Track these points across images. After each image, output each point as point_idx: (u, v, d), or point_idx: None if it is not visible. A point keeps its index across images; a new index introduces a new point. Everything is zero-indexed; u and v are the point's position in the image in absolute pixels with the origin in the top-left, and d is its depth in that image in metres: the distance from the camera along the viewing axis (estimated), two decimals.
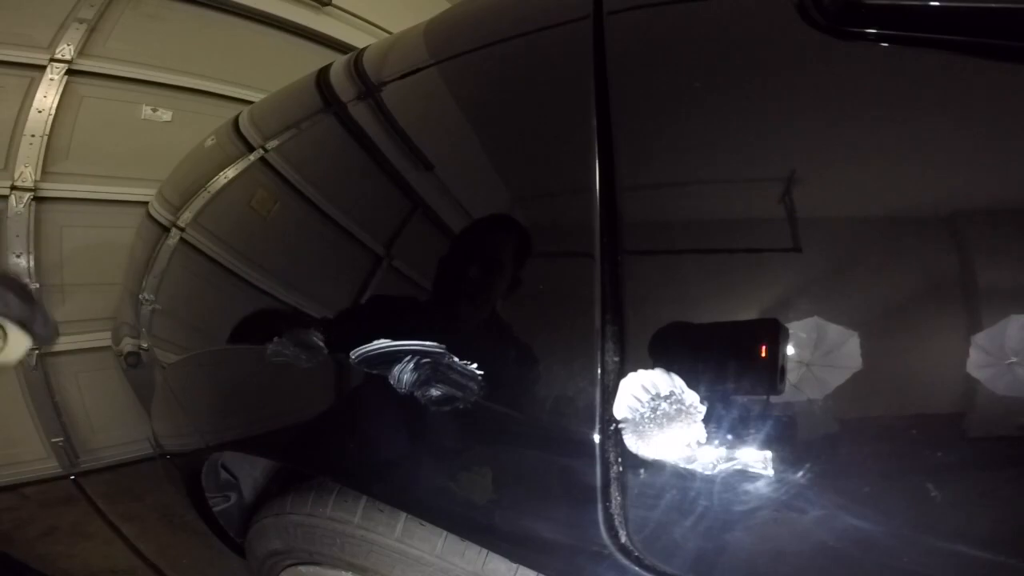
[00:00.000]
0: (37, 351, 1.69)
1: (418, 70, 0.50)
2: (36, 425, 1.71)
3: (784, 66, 0.34)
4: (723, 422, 0.28)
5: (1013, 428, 0.26)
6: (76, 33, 1.68)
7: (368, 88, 0.54)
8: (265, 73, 2.04)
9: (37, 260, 1.68)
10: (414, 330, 0.37)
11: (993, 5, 0.28)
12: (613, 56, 0.37)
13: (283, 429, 0.46)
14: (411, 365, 0.36)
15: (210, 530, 0.71)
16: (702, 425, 0.29)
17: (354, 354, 0.38)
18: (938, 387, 0.27)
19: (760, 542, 0.29)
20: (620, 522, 0.31)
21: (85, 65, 1.72)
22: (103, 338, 1.71)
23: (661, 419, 0.29)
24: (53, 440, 1.73)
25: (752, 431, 0.28)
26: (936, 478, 0.26)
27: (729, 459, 0.28)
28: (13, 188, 1.62)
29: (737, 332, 0.29)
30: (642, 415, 0.30)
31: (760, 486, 0.28)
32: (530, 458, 0.33)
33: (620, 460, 0.30)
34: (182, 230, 0.64)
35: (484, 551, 0.41)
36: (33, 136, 1.64)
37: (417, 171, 0.43)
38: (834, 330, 0.27)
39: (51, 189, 1.69)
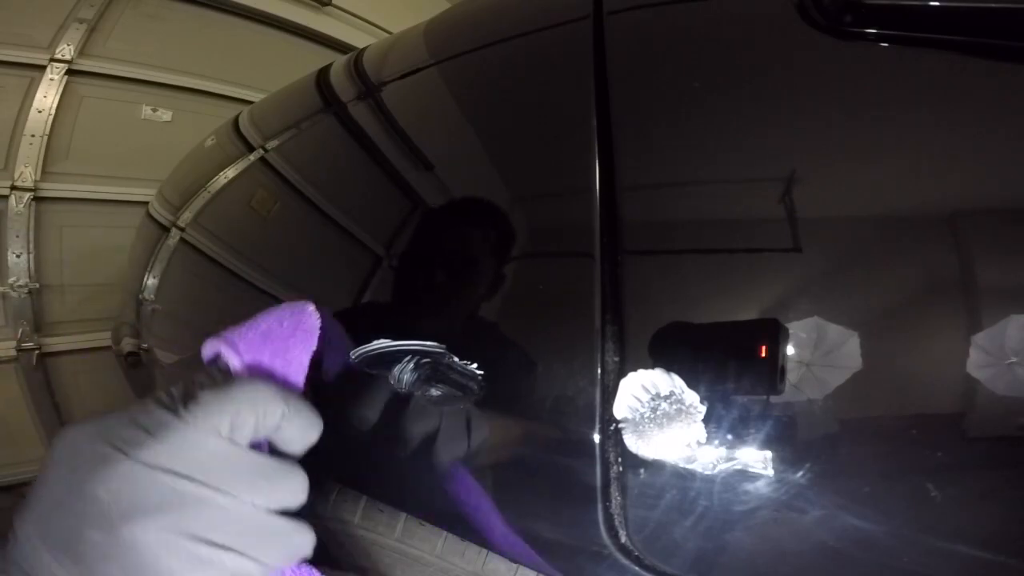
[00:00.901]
0: (37, 351, 1.69)
1: (418, 70, 0.50)
2: (36, 425, 1.71)
3: (784, 66, 0.34)
4: (723, 422, 0.29)
5: (1013, 428, 0.26)
6: (76, 33, 1.68)
7: (368, 88, 0.55)
8: (265, 73, 2.04)
9: (37, 260, 1.68)
10: (414, 330, 0.37)
11: (993, 5, 0.28)
12: (613, 56, 0.37)
13: None
14: (411, 365, 0.36)
15: None
16: (702, 425, 0.29)
17: (354, 354, 0.38)
18: (938, 387, 0.27)
19: (760, 542, 0.29)
20: (620, 522, 0.31)
21: (85, 65, 1.72)
22: (103, 338, 1.71)
23: (661, 419, 0.29)
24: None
25: (752, 431, 0.28)
26: (936, 478, 0.26)
27: (729, 459, 0.28)
28: (13, 188, 1.62)
29: (737, 332, 0.29)
30: (642, 415, 0.30)
31: (760, 486, 0.28)
32: (530, 458, 0.33)
33: (620, 460, 0.30)
34: (182, 230, 0.64)
35: (484, 551, 0.41)
36: (33, 136, 1.64)
37: (417, 171, 0.43)
38: (834, 330, 0.27)
39: (51, 189, 1.69)
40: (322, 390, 0.39)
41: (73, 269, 1.74)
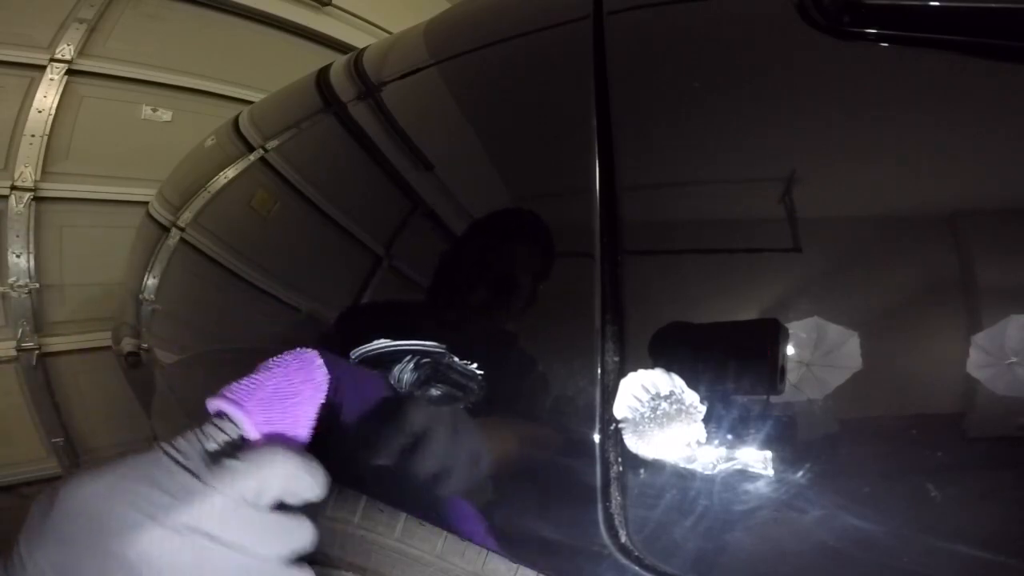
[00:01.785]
0: (37, 351, 1.69)
1: (418, 70, 0.50)
2: (36, 425, 1.71)
3: (784, 66, 0.34)
4: (723, 422, 0.28)
5: (1013, 428, 0.26)
6: (76, 33, 1.68)
7: (368, 88, 0.55)
8: (265, 73, 2.04)
9: (37, 260, 1.68)
10: (414, 330, 0.37)
11: (993, 5, 0.29)
12: (613, 56, 0.37)
13: None
14: (411, 365, 0.36)
15: None
16: (702, 425, 0.29)
17: (354, 354, 0.38)
18: (938, 387, 0.27)
19: (760, 542, 0.29)
20: (620, 522, 0.31)
21: (85, 65, 1.72)
22: (103, 338, 1.71)
23: (661, 419, 0.29)
24: (53, 440, 1.73)
25: (752, 431, 0.28)
26: (936, 478, 0.26)
27: (729, 459, 0.28)
28: (13, 188, 1.62)
29: (737, 332, 0.29)
30: (642, 415, 0.30)
31: (760, 486, 0.28)
32: (530, 458, 0.33)
33: (620, 460, 0.30)
34: (182, 230, 0.64)
35: (484, 551, 0.41)
36: (33, 136, 1.64)
37: (417, 171, 0.43)
38: (834, 330, 0.27)
39: (51, 189, 1.69)
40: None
41: (73, 269, 1.74)
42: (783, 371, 0.28)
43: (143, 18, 1.84)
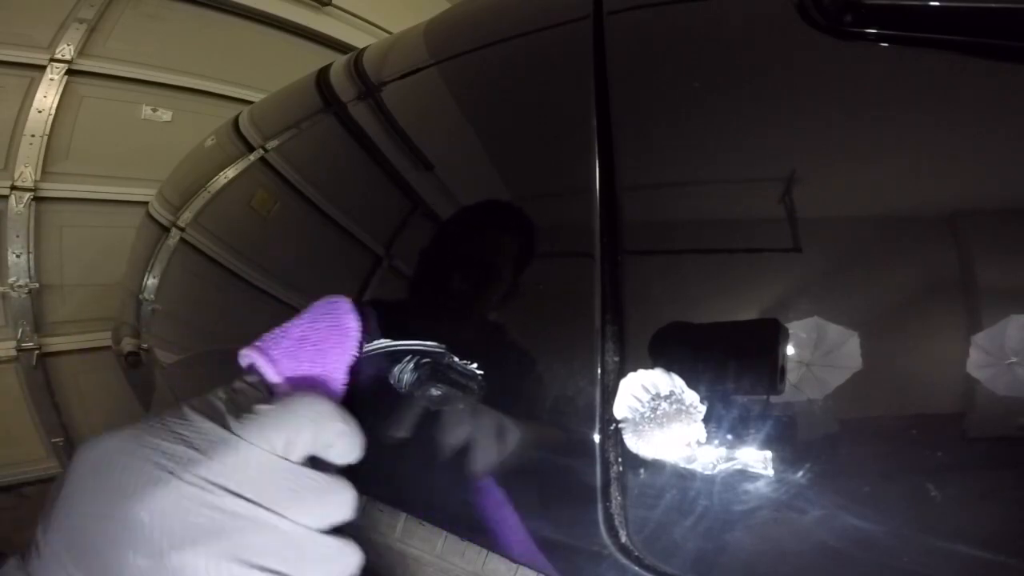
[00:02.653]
0: (37, 351, 1.69)
1: (418, 70, 0.50)
2: (36, 425, 1.71)
3: (784, 66, 0.34)
4: (723, 422, 0.28)
5: (1013, 428, 0.26)
6: (76, 33, 1.68)
7: (368, 88, 0.54)
8: (265, 73, 2.04)
9: (37, 260, 1.68)
10: (414, 330, 0.37)
11: (993, 5, 0.28)
12: (613, 56, 0.37)
13: None
14: (411, 365, 0.36)
15: None
16: (702, 425, 0.29)
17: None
18: (938, 387, 0.27)
19: (760, 542, 0.29)
20: (620, 522, 0.31)
21: (85, 65, 1.72)
22: (103, 338, 1.71)
23: (661, 419, 0.29)
24: (53, 440, 1.73)
25: (752, 431, 0.28)
26: (936, 478, 0.26)
27: (729, 459, 0.28)
28: (13, 188, 1.62)
29: (737, 332, 0.29)
30: (642, 415, 0.30)
31: (760, 486, 0.28)
32: (530, 458, 0.33)
33: (620, 460, 0.30)
34: (182, 230, 0.64)
35: (484, 551, 0.41)
36: (33, 136, 1.64)
37: (417, 171, 0.43)
38: (834, 330, 0.27)
39: (51, 189, 1.69)
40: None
41: (73, 269, 1.74)
42: (783, 371, 0.28)
43: (143, 18, 1.84)
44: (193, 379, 0.58)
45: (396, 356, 0.36)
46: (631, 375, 0.30)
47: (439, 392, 0.35)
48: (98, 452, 0.25)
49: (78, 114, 1.73)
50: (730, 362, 0.29)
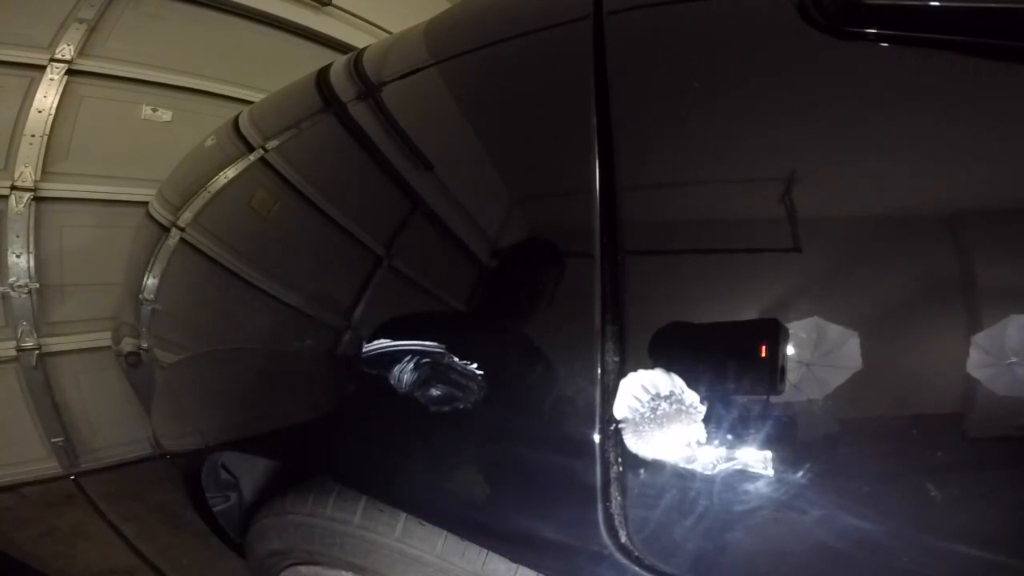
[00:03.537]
0: (37, 351, 1.69)
1: (418, 70, 0.50)
2: (36, 425, 1.71)
3: (784, 66, 0.34)
4: (723, 422, 0.28)
5: (1013, 428, 0.26)
6: (76, 33, 1.68)
7: (368, 88, 0.54)
8: (265, 73, 2.04)
9: (37, 260, 1.68)
10: (414, 330, 0.37)
11: (993, 5, 0.28)
12: (613, 56, 0.37)
13: (283, 429, 0.46)
14: (411, 365, 0.36)
15: (210, 530, 0.71)
16: (702, 425, 0.29)
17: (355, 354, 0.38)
18: (938, 387, 0.27)
19: (760, 542, 0.29)
20: (620, 522, 0.31)
21: (85, 65, 1.72)
22: (103, 338, 1.71)
23: (661, 419, 0.29)
24: (53, 440, 1.73)
25: (752, 431, 0.28)
26: (936, 478, 0.26)
27: (729, 459, 0.28)
28: (13, 188, 1.62)
29: (737, 332, 0.29)
30: (642, 415, 0.30)
31: (760, 486, 0.28)
32: (530, 458, 0.33)
33: (620, 460, 0.30)
34: (182, 230, 0.64)
35: (484, 551, 0.41)
36: (33, 136, 1.64)
37: (417, 171, 0.43)
38: (834, 330, 0.27)
39: (51, 189, 1.69)
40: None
41: (73, 269, 1.74)
42: (783, 371, 0.28)
43: (143, 18, 1.84)
44: (193, 379, 0.58)
45: (396, 356, 0.36)
46: (631, 375, 0.30)
47: (439, 392, 0.35)
48: None
49: (78, 114, 1.73)
50: (730, 362, 0.29)
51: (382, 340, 0.37)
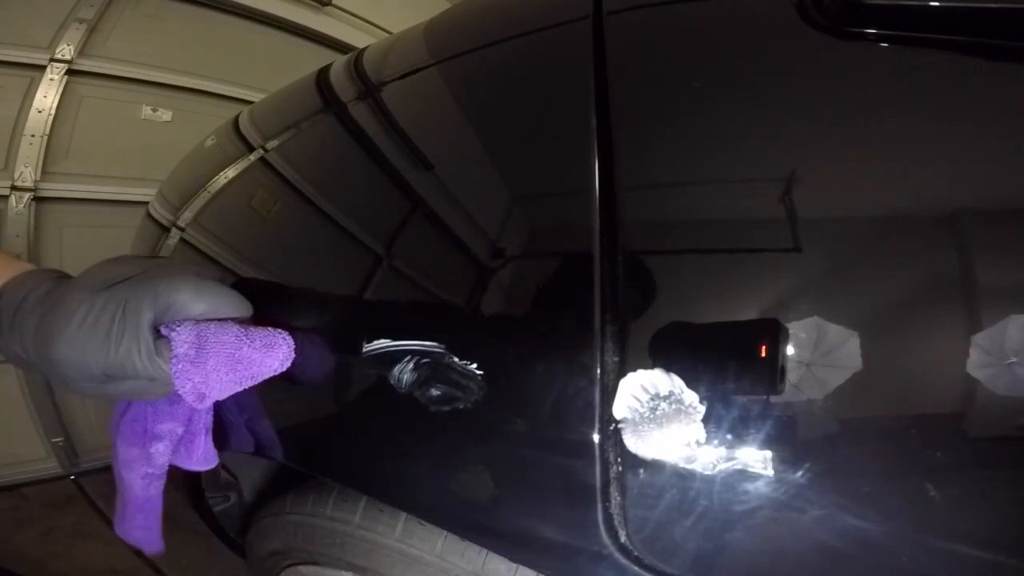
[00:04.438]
0: None
1: (418, 70, 0.50)
2: (36, 425, 1.71)
3: (784, 66, 0.34)
4: (723, 422, 0.28)
5: (1013, 428, 0.26)
6: (76, 33, 1.68)
7: (368, 88, 0.54)
8: (265, 73, 2.04)
9: (37, 260, 1.68)
10: (414, 330, 0.37)
11: (993, 5, 0.28)
12: (613, 56, 0.37)
13: (283, 429, 0.46)
14: (411, 365, 0.36)
15: (210, 530, 0.71)
16: (702, 425, 0.29)
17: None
18: (938, 387, 0.27)
19: (760, 542, 0.29)
20: (620, 522, 0.31)
21: (85, 65, 1.72)
22: None
23: (661, 419, 0.29)
24: (53, 440, 1.73)
25: (752, 431, 0.28)
26: (936, 478, 0.26)
27: (729, 459, 0.28)
28: (13, 188, 1.62)
29: (737, 332, 0.29)
30: (642, 415, 0.30)
31: (760, 486, 0.28)
32: (530, 458, 0.33)
33: (620, 460, 0.30)
34: (182, 230, 0.64)
35: (484, 551, 0.41)
36: (33, 136, 1.64)
37: (417, 171, 0.43)
38: (834, 330, 0.27)
39: (51, 189, 1.69)
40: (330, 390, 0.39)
41: (73, 269, 1.74)
42: (783, 371, 0.28)
43: (143, 18, 1.84)
44: None
45: (396, 356, 0.36)
46: (631, 375, 0.30)
47: (439, 392, 0.35)
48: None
49: (78, 114, 1.73)
50: (730, 362, 0.29)
51: (382, 340, 0.37)
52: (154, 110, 1.89)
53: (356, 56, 0.62)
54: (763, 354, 0.28)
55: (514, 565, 0.40)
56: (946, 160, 0.29)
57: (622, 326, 0.31)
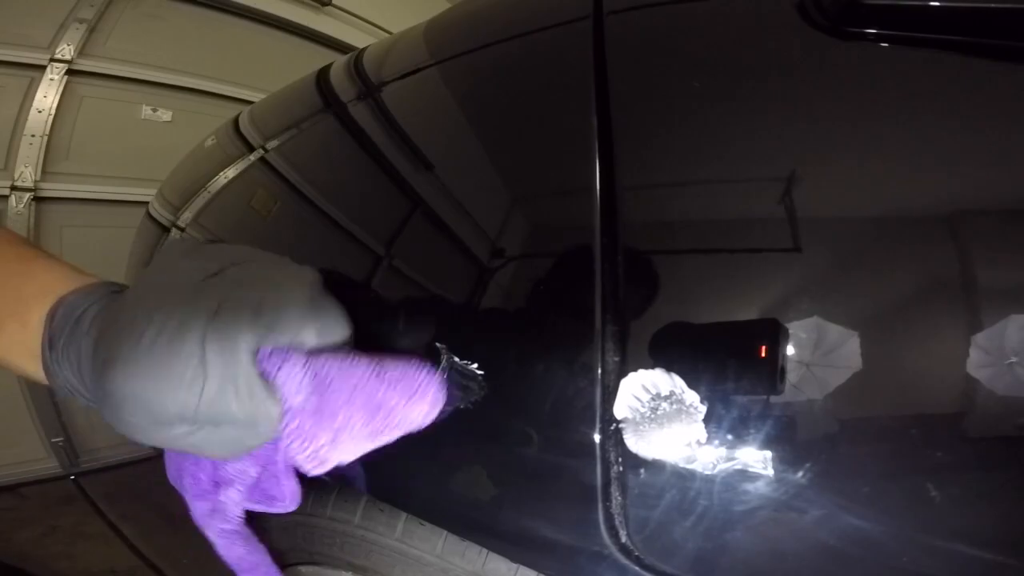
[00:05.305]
0: None
1: (418, 70, 0.50)
2: (36, 425, 1.71)
3: (784, 66, 0.34)
4: (723, 422, 0.29)
5: (1013, 428, 0.26)
6: (76, 33, 1.69)
7: (368, 88, 0.54)
8: (265, 73, 2.04)
9: None
10: (414, 330, 0.37)
11: (993, 5, 0.28)
12: (613, 56, 0.37)
13: None
14: None
15: None
16: (702, 425, 0.29)
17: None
18: (938, 387, 0.27)
19: (760, 542, 0.29)
20: (620, 522, 0.31)
21: (85, 65, 1.72)
22: None
23: (661, 419, 0.29)
24: (53, 440, 1.73)
25: (752, 431, 0.28)
26: (936, 478, 0.26)
27: (729, 459, 0.28)
28: (13, 188, 1.62)
29: (737, 332, 0.29)
30: (642, 415, 0.30)
31: (760, 486, 0.28)
32: (530, 458, 0.33)
33: (620, 460, 0.30)
34: (182, 230, 0.64)
35: (484, 551, 0.41)
36: (33, 136, 1.64)
37: (417, 171, 0.43)
38: (834, 330, 0.27)
39: (51, 189, 1.69)
40: None
41: None
42: (783, 371, 0.28)
43: (143, 18, 1.84)
44: None
45: None
46: (631, 375, 0.30)
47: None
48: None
49: (78, 114, 1.73)
50: (730, 362, 0.29)
51: (381, 340, 0.37)
52: (154, 110, 1.89)
53: (356, 56, 0.62)
54: (763, 354, 0.28)
55: (514, 565, 0.40)
56: (946, 160, 0.29)
57: (623, 326, 0.31)
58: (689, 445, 0.29)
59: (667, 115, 0.35)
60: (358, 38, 2.29)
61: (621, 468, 0.30)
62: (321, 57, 2.15)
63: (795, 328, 0.28)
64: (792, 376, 0.28)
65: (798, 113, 0.32)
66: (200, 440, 0.27)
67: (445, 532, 0.43)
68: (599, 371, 0.31)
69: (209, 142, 0.78)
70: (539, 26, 0.44)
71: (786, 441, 0.28)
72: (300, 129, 0.57)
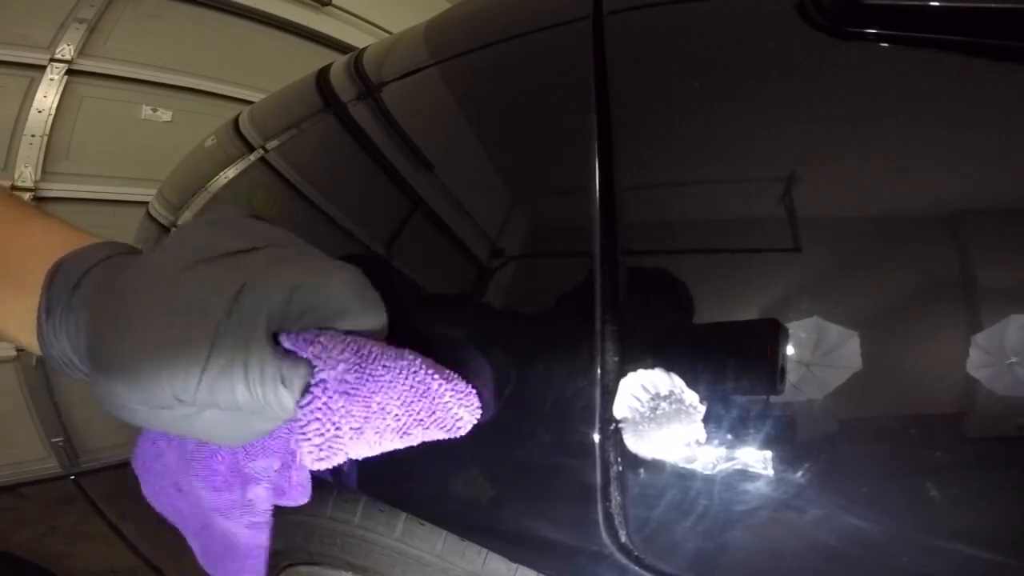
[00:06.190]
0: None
1: (418, 70, 0.50)
2: (36, 425, 1.71)
3: (783, 66, 0.34)
4: (723, 422, 0.29)
5: (1013, 428, 0.26)
6: (76, 33, 1.69)
7: (368, 88, 0.54)
8: (265, 73, 2.04)
9: None
10: (414, 329, 0.37)
11: (993, 5, 0.28)
12: (613, 56, 0.37)
13: None
14: None
15: None
16: (702, 425, 0.29)
17: None
18: (938, 387, 0.27)
19: (760, 542, 0.29)
20: (620, 522, 0.31)
21: (85, 65, 1.72)
22: None
23: (661, 419, 0.29)
24: (53, 440, 1.73)
25: (752, 431, 0.28)
26: (936, 478, 0.26)
27: (729, 459, 0.28)
28: (13, 188, 1.62)
29: (737, 332, 0.29)
30: (642, 415, 0.30)
31: (760, 486, 0.28)
32: (530, 458, 0.33)
33: (620, 460, 0.30)
34: None
35: (484, 551, 0.41)
36: (33, 136, 1.64)
37: (417, 171, 0.43)
38: (834, 330, 0.27)
39: (51, 189, 1.69)
40: None
41: None
42: (783, 371, 0.28)
43: (143, 18, 1.84)
44: None
45: None
46: (631, 375, 0.30)
47: None
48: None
49: (78, 114, 1.73)
50: (730, 362, 0.29)
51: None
52: (154, 110, 1.89)
53: (356, 56, 0.62)
54: (763, 354, 0.28)
55: (514, 565, 0.40)
56: (946, 160, 0.29)
57: (622, 326, 0.31)
58: (688, 445, 0.29)
59: (667, 115, 0.35)
60: (358, 38, 2.29)
61: (620, 468, 0.30)
62: (321, 57, 2.16)
63: (795, 328, 0.28)
64: (792, 376, 0.28)
65: (798, 113, 0.32)
66: (201, 425, 0.25)
67: (445, 532, 0.43)
68: (598, 371, 0.31)
69: (209, 142, 0.78)
70: (539, 26, 0.44)
71: (786, 441, 0.28)
72: (300, 129, 0.57)
